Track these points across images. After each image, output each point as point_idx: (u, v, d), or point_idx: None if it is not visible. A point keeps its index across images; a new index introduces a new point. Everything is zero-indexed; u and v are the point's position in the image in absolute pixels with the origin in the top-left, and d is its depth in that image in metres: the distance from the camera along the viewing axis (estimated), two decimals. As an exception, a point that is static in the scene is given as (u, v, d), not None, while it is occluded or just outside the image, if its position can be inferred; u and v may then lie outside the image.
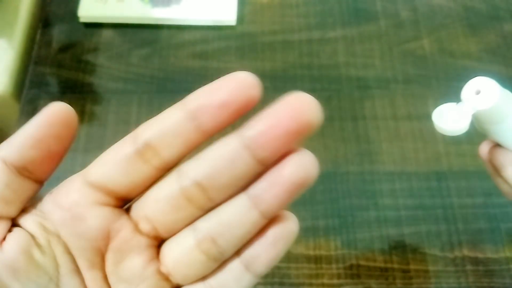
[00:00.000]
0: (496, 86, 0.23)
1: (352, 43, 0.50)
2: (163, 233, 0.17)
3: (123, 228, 0.17)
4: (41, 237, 0.16)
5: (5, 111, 0.48)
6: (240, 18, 0.51)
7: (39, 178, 0.17)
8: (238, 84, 0.15)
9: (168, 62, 0.48)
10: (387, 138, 0.45)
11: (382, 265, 0.39)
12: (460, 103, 0.23)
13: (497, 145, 0.27)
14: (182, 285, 0.18)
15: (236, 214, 0.16)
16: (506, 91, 0.23)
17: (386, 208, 0.42)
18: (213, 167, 0.16)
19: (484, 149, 0.27)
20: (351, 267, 0.39)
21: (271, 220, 0.17)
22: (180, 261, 0.17)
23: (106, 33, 0.50)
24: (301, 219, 0.45)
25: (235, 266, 0.17)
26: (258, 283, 0.38)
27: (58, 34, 0.50)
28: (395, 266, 0.39)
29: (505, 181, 0.26)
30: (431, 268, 0.39)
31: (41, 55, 0.48)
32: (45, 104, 0.16)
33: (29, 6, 0.51)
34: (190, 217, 0.17)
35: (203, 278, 0.17)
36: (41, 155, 0.16)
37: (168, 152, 0.16)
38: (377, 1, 0.52)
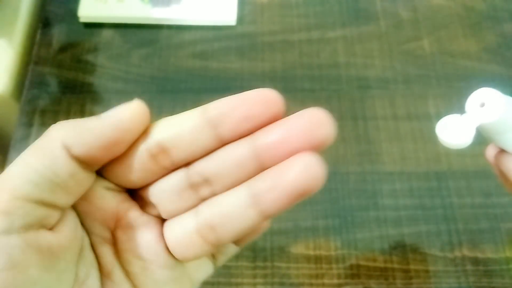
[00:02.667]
0: (501, 97, 0.22)
1: (352, 43, 0.50)
2: (166, 216, 0.18)
3: (130, 209, 0.17)
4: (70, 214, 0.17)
5: (5, 111, 0.48)
6: (240, 18, 0.51)
7: (93, 170, 0.17)
8: (263, 100, 0.15)
9: (168, 62, 0.48)
10: (387, 138, 0.45)
11: (382, 265, 0.39)
12: (464, 115, 0.23)
13: (503, 151, 0.26)
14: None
15: (236, 208, 0.16)
16: (511, 100, 0.23)
17: (386, 208, 0.42)
18: (221, 167, 0.16)
19: (490, 152, 0.27)
20: (351, 267, 0.39)
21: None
22: (180, 241, 0.17)
23: (106, 33, 0.50)
24: (301, 219, 0.45)
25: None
26: (258, 283, 0.38)
27: (58, 34, 0.50)
28: (395, 266, 0.39)
29: None
30: (431, 268, 0.39)
31: (41, 55, 0.48)
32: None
33: (29, 6, 0.51)
34: (193, 205, 0.17)
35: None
36: (107, 155, 0.16)
37: (180, 155, 0.16)
38: (377, 1, 0.52)
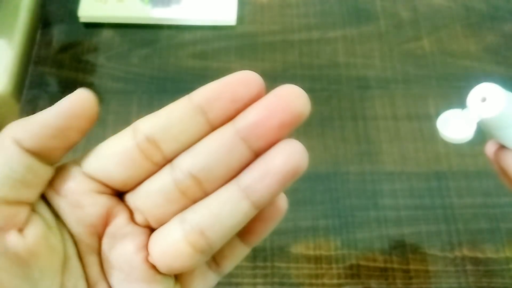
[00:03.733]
0: (502, 92, 0.22)
1: (352, 43, 0.50)
2: (154, 224, 0.17)
3: (119, 215, 0.17)
4: (51, 221, 0.16)
5: (5, 111, 0.48)
6: (240, 18, 0.51)
7: (51, 162, 0.17)
8: (245, 82, 0.16)
9: (168, 62, 0.48)
10: (387, 138, 0.45)
11: (382, 265, 0.39)
12: (465, 110, 0.23)
13: (503, 147, 0.26)
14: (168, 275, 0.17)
15: (227, 205, 0.16)
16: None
17: (386, 208, 0.42)
18: (209, 159, 0.16)
19: (490, 148, 0.27)
20: (351, 267, 0.39)
21: None
22: (166, 252, 0.16)
23: (106, 33, 0.50)
24: (301, 219, 0.45)
25: None
26: (258, 283, 0.38)
27: (58, 34, 0.50)
28: (395, 266, 0.39)
29: None
30: (431, 268, 0.39)
31: (41, 55, 0.48)
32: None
33: (29, 6, 0.51)
34: (182, 210, 0.17)
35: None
36: (59, 145, 0.16)
37: (170, 146, 0.16)
38: (377, 1, 0.52)
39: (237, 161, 0.16)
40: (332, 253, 0.40)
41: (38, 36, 0.50)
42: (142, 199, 0.17)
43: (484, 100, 0.22)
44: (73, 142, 0.16)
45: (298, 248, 0.40)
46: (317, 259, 0.40)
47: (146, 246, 0.17)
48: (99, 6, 0.50)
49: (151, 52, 0.49)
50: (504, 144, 0.26)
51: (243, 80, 0.16)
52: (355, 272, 0.39)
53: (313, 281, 0.39)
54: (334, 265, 0.39)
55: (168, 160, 0.17)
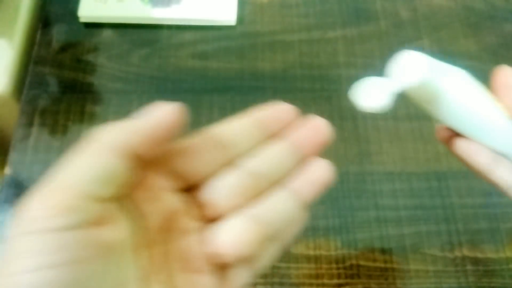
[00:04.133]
0: (424, 61, 0.21)
1: (352, 43, 0.50)
2: (219, 218, 0.20)
3: (186, 210, 0.19)
4: (134, 216, 0.18)
5: (5, 111, 0.48)
6: (240, 18, 0.51)
7: (141, 166, 0.18)
8: (287, 111, 0.22)
9: (168, 62, 0.48)
10: (387, 138, 0.45)
11: (382, 265, 0.39)
12: (385, 78, 0.22)
13: (456, 134, 0.24)
14: (230, 264, 0.19)
15: (285, 202, 0.20)
16: (441, 66, 0.21)
17: (386, 208, 0.42)
18: (270, 163, 0.21)
19: (442, 134, 0.26)
20: (351, 267, 0.39)
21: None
22: (234, 240, 0.19)
23: (106, 33, 0.50)
24: (301, 219, 0.44)
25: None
26: (258, 283, 0.38)
27: (58, 34, 0.50)
28: (395, 266, 0.39)
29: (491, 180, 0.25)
30: (431, 268, 0.39)
31: (41, 55, 0.48)
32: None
33: (29, 6, 0.51)
34: (245, 204, 0.20)
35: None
36: (150, 151, 0.18)
37: (234, 151, 0.20)
38: (377, 1, 0.52)
39: (287, 167, 0.21)
40: (332, 253, 0.40)
41: (38, 36, 0.50)
42: (212, 193, 0.20)
43: (405, 68, 0.21)
44: (161, 148, 0.19)
45: (298, 248, 0.40)
46: (317, 259, 0.40)
47: (205, 240, 0.19)
48: (99, 6, 0.50)
49: (151, 52, 0.49)
50: (442, 121, 0.24)
51: (285, 110, 0.22)
52: (355, 272, 0.39)
53: (313, 281, 0.39)
54: (334, 265, 0.39)
55: (231, 162, 0.20)
